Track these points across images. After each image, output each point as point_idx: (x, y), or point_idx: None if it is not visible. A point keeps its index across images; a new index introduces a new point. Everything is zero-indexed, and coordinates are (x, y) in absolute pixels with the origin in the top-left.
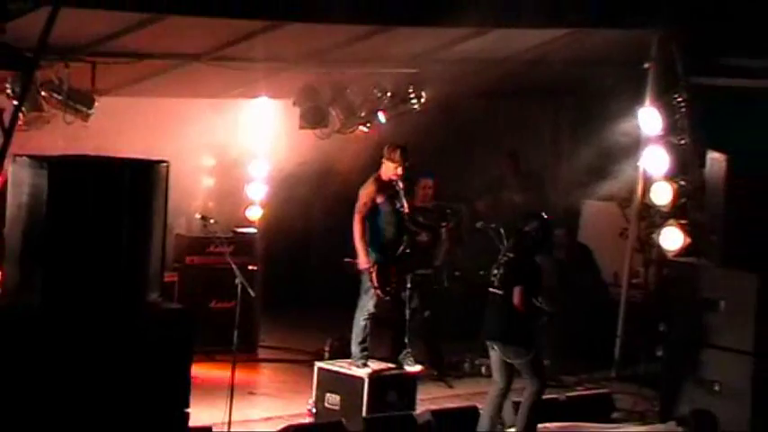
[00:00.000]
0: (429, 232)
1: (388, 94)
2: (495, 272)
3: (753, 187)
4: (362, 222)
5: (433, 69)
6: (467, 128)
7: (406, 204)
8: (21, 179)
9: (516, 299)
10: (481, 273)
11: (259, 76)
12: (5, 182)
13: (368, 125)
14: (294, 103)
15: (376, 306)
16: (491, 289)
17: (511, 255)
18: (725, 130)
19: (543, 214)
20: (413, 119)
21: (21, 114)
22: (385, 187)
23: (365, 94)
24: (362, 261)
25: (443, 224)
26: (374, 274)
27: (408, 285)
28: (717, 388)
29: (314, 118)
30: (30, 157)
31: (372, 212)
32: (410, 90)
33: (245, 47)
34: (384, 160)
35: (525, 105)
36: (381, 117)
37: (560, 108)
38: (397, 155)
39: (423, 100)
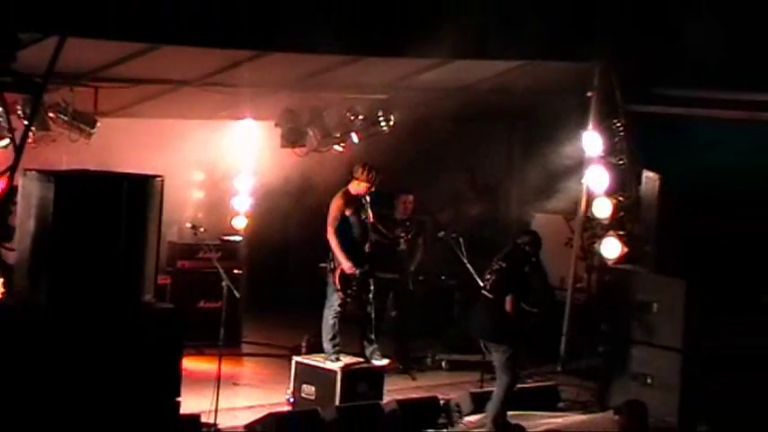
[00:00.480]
0: (389, 240)
1: (361, 117)
2: (488, 277)
3: (682, 203)
4: (336, 235)
5: (401, 96)
6: (430, 147)
7: (371, 215)
8: (30, 191)
9: (508, 306)
10: (442, 277)
11: (244, 99)
12: (6, 189)
13: (342, 145)
14: (276, 125)
15: (341, 305)
16: (483, 291)
17: (503, 264)
18: (658, 152)
19: (535, 231)
20: (382, 140)
21: (30, 133)
22: (352, 201)
23: (340, 117)
24: (348, 267)
25: (403, 234)
26: (336, 278)
27: (371, 287)
28: (649, 381)
29: (293, 138)
30: (38, 171)
31: (341, 223)
32: (380, 114)
33: (231, 73)
34: (357, 178)
35: (483, 128)
36: (354, 138)
37: (513, 131)
38: (372, 176)
39: (391, 123)
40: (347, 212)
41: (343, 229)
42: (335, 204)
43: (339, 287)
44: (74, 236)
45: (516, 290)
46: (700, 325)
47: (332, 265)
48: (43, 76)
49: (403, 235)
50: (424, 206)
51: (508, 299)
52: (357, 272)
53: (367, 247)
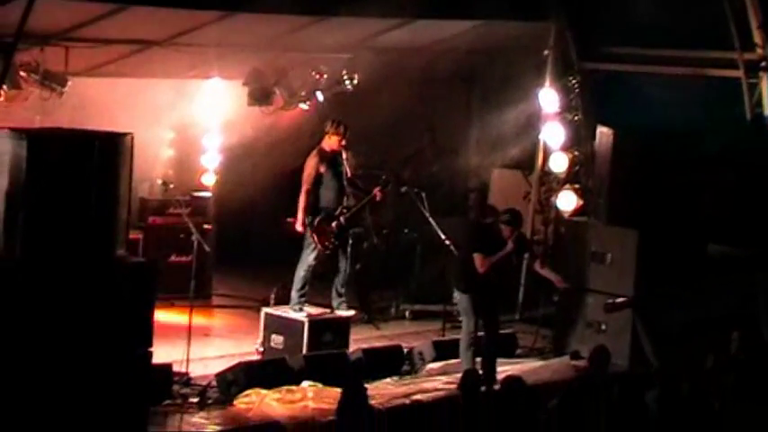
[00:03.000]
0: (364, 195)
1: (325, 76)
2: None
3: (634, 157)
4: (307, 194)
5: (364, 56)
6: (392, 106)
7: (349, 171)
8: (3, 149)
9: (477, 263)
10: (405, 231)
11: (212, 59)
12: None
13: (307, 103)
14: (243, 84)
15: (316, 259)
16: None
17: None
18: (611, 108)
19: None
20: (347, 98)
21: (2, 92)
22: (327, 157)
23: (305, 77)
24: (299, 224)
25: (378, 188)
26: (314, 234)
27: (350, 242)
28: (603, 327)
29: (260, 96)
30: (11, 129)
31: (317, 180)
32: (344, 73)
33: (200, 34)
34: (328, 134)
35: (443, 87)
36: (320, 96)
37: (472, 89)
38: (341, 129)
39: (355, 82)
40: (321, 169)
41: (317, 185)
42: (310, 162)
43: (317, 242)
44: (47, 193)
45: (481, 251)
46: (650, 274)
47: (309, 221)
48: (14, 36)
49: (378, 189)
50: (386, 163)
51: (476, 257)
52: (304, 230)
53: (345, 202)
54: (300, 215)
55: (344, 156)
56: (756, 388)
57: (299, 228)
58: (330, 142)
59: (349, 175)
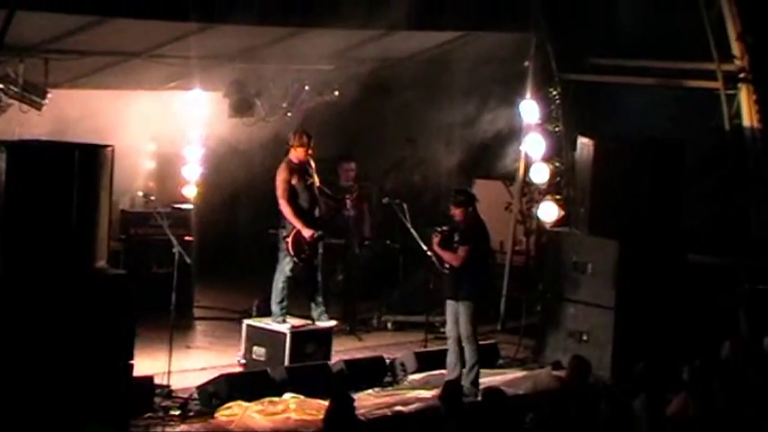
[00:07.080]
0: (335, 203)
1: (306, 87)
2: None
3: (615, 168)
4: (288, 202)
5: (345, 67)
6: (374, 117)
7: (317, 179)
8: None
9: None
10: (387, 242)
11: (193, 71)
12: None
13: (288, 114)
14: (224, 95)
15: (292, 270)
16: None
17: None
18: (592, 118)
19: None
20: (328, 109)
21: None
22: (296, 169)
23: (286, 88)
24: (307, 233)
25: (348, 196)
26: (290, 243)
27: (320, 252)
28: (585, 337)
29: (241, 108)
30: None
31: (290, 192)
32: (325, 84)
33: (180, 45)
34: (294, 146)
35: (423, 97)
36: (300, 108)
37: (454, 99)
38: (305, 139)
39: (336, 93)
40: (293, 181)
41: (292, 197)
42: (280, 176)
43: (293, 252)
44: (27, 204)
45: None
46: (630, 284)
47: (284, 232)
48: None
49: (348, 197)
50: (368, 173)
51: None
52: (316, 235)
53: (317, 212)
54: (298, 223)
55: (312, 165)
56: (741, 393)
57: (309, 236)
58: (297, 154)
59: (317, 184)
